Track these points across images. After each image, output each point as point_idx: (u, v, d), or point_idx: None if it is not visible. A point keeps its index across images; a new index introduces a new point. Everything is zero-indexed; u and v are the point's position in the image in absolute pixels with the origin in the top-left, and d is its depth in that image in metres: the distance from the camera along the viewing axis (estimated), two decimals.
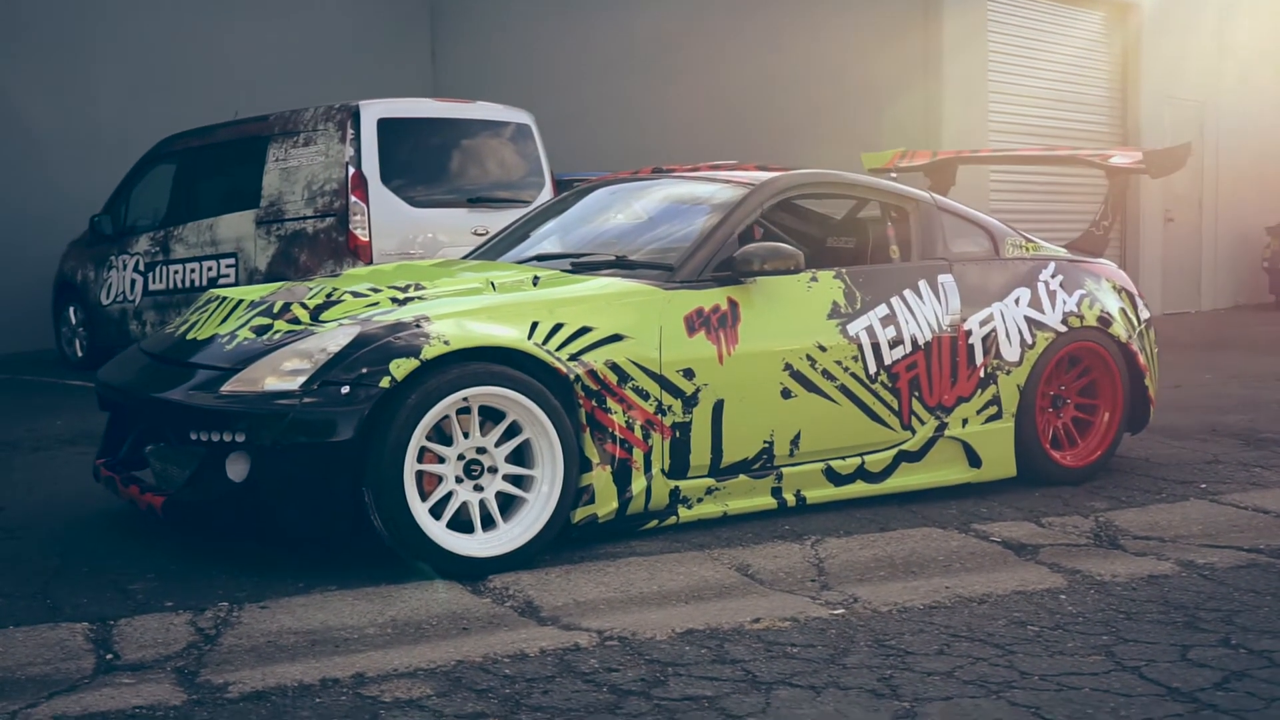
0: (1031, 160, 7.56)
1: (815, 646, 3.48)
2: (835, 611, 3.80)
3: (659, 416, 4.54)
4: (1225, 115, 15.40)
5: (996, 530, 4.74)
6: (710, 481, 4.70)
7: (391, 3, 15.69)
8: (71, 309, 10.96)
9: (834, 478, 4.99)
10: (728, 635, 3.57)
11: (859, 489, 5.05)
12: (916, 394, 5.12)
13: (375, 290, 4.64)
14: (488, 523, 4.22)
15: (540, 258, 5.31)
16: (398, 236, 8.60)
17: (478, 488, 4.21)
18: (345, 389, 4.01)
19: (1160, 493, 5.36)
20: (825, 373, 4.90)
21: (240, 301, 4.78)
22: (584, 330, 4.43)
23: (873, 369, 5.01)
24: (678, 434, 4.59)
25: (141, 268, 10.02)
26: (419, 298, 4.53)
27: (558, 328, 4.39)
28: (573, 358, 4.37)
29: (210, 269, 9.39)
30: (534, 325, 4.35)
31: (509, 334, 4.27)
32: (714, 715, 2.99)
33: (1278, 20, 16.29)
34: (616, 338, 4.48)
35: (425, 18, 16.03)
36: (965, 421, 5.25)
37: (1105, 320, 5.60)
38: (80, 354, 10.79)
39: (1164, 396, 7.58)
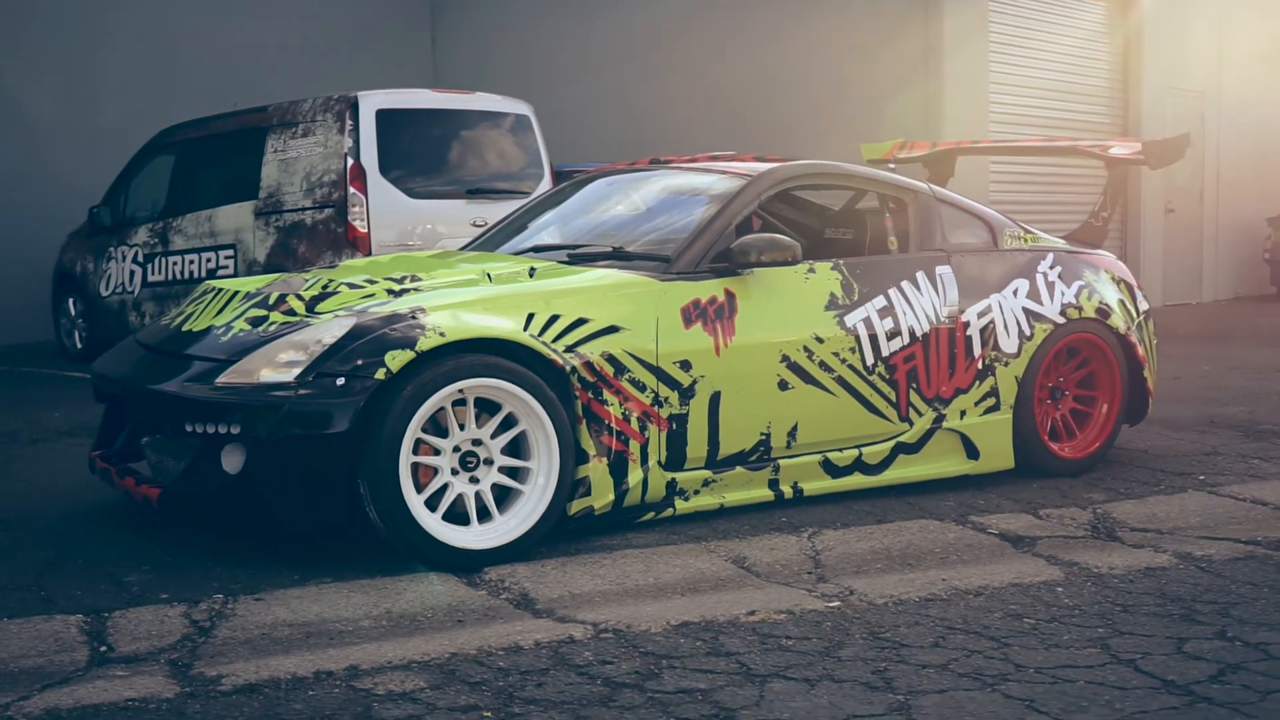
0: (1031, 151, 7.55)
1: (810, 639, 3.48)
2: (831, 604, 3.80)
3: (655, 408, 4.53)
4: (1226, 106, 15.37)
5: (994, 522, 4.73)
6: (707, 473, 4.69)
7: None
8: (71, 300, 10.95)
9: (831, 470, 4.98)
10: (723, 628, 3.57)
11: (856, 481, 5.04)
12: (914, 386, 5.11)
13: (371, 282, 4.63)
14: (483, 515, 4.22)
15: (537, 249, 5.30)
16: (396, 228, 8.58)
17: (473, 480, 4.20)
18: (341, 381, 4.00)
19: (1158, 484, 5.35)
20: (822, 364, 4.89)
21: (236, 293, 4.77)
22: (580, 322, 4.42)
23: (870, 361, 5.00)
24: (674, 426, 4.58)
25: (140, 259, 10.01)
26: (415, 289, 4.52)
27: (554, 319, 4.38)
28: (569, 349, 4.36)
29: (209, 260, 9.38)
30: (530, 317, 4.34)
31: (505, 325, 4.26)
32: (707, 708, 2.99)
33: (1279, 11, 16.26)
34: (613, 329, 4.47)
35: (425, 9, 16.00)
36: (963, 413, 5.24)
37: (1104, 312, 5.59)
38: (79, 345, 10.78)
39: (1163, 388, 7.57)
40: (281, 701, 3.04)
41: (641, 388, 4.50)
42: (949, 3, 11.94)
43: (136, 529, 4.62)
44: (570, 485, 4.34)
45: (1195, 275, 15.44)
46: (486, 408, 4.23)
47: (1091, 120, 13.64)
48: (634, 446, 4.50)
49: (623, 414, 4.46)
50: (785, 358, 4.81)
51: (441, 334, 4.09)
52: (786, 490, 4.88)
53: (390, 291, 4.50)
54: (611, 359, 4.44)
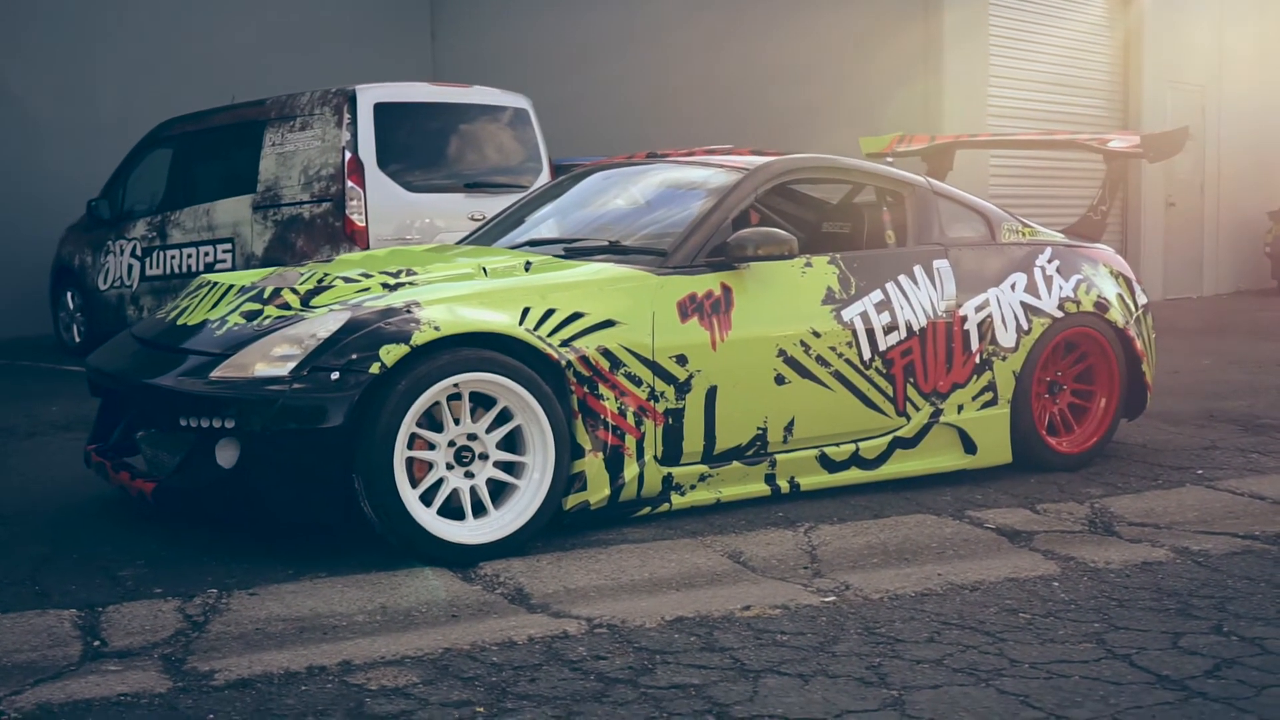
0: (1029, 145, 7.53)
1: (805, 634, 3.47)
2: (826, 599, 3.79)
3: (651, 403, 4.52)
4: (1227, 100, 15.34)
5: (991, 517, 4.72)
6: (703, 468, 4.68)
7: None
8: (69, 294, 10.94)
9: (828, 464, 4.96)
10: (717, 623, 3.56)
11: (853, 475, 5.03)
12: (911, 380, 5.10)
13: (367, 276, 4.62)
14: (479, 510, 4.21)
15: (533, 243, 5.29)
16: (394, 222, 8.58)
17: (468, 474, 4.19)
18: (335, 375, 3.99)
19: (1156, 479, 5.34)
20: (819, 359, 4.87)
21: (231, 287, 4.75)
22: (576, 316, 4.41)
23: (867, 355, 4.98)
24: (670, 420, 4.57)
25: (139, 253, 10.00)
26: (410, 283, 4.51)
27: (549, 313, 4.37)
28: (565, 344, 4.35)
29: (207, 254, 9.37)
30: (525, 311, 4.33)
31: (500, 320, 4.25)
32: (701, 704, 2.98)
33: (1279, 4, 16.23)
34: (609, 323, 4.46)
35: (425, 3, 15.97)
36: (961, 408, 5.23)
37: (1102, 306, 5.57)
38: (78, 339, 10.77)
39: (1162, 382, 7.56)
40: (274, 696, 3.03)
41: (637, 382, 4.48)
42: None
43: (132, 523, 4.62)
44: (566, 480, 4.33)
45: (1196, 269, 15.42)
46: (482, 402, 4.22)
47: (1092, 114, 13.62)
48: (630, 441, 4.49)
49: (618, 409, 4.45)
50: (782, 352, 4.80)
51: (436, 328, 4.08)
52: (783, 485, 4.87)
53: (385, 286, 4.49)
54: (607, 353, 4.43)
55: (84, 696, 3.03)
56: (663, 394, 4.54)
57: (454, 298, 4.31)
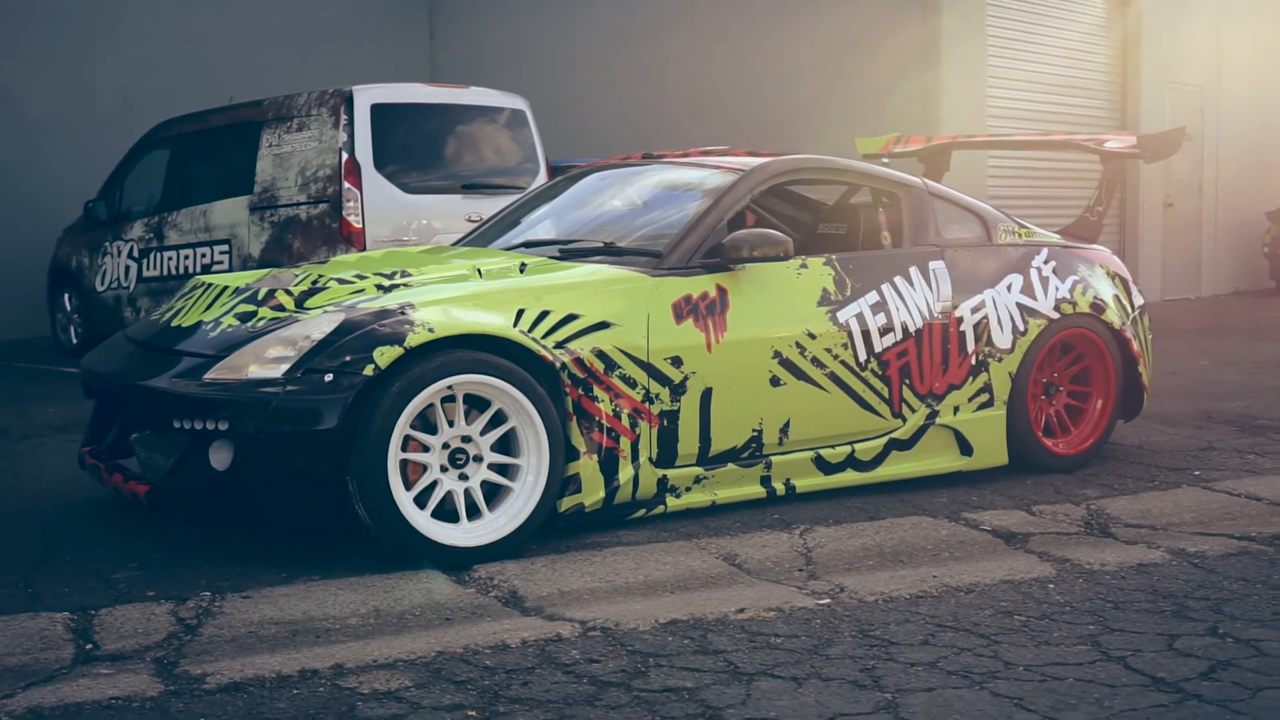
0: (1026, 145, 7.52)
1: (799, 637, 3.46)
2: (821, 601, 3.78)
3: (646, 405, 4.51)
4: (1226, 100, 15.33)
5: (987, 519, 4.71)
6: (698, 470, 4.67)
7: None
8: (66, 295, 10.93)
9: (824, 466, 4.96)
10: (711, 626, 3.55)
11: (849, 478, 5.02)
12: (907, 382, 5.09)
13: (361, 277, 4.61)
14: (473, 512, 4.20)
15: (529, 244, 5.28)
16: (391, 223, 8.56)
17: (463, 476, 4.18)
18: (329, 377, 3.98)
19: (1153, 480, 5.33)
20: (815, 360, 4.87)
21: (225, 288, 4.74)
22: (571, 318, 4.40)
23: (863, 356, 4.97)
24: (665, 422, 4.56)
25: (136, 254, 9.99)
26: (404, 285, 4.50)
27: (544, 315, 4.36)
28: (559, 345, 4.34)
29: (204, 255, 9.36)
30: (520, 313, 4.32)
31: (494, 321, 4.24)
32: (693, 707, 2.97)
33: (1278, 4, 16.20)
34: (603, 325, 4.45)
35: (423, 3, 15.97)
36: (957, 409, 5.22)
37: (1098, 307, 5.56)
38: (75, 341, 10.76)
39: (1160, 383, 7.55)
40: (265, 700, 3.02)
41: (632, 384, 4.47)
42: None
43: (126, 526, 4.61)
44: (560, 482, 4.32)
45: (1194, 270, 15.41)
46: (476, 404, 4.21)
47: (1090, 115, 13.61)
48: (625, 443, 4.48)
49: (613, 410, 4.44)
50: (777, 354, 4.79)
51: (430, 330, 4.07)
52: (779, 487, 4.86)
53: (380, 287, 4.48)
54: (602, 355, 4.42)
55: (75, 700, 3.02)
56: (658, 396, 4.53)
57: (448, 299, 4.30)
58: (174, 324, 4.67)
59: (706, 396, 4.63)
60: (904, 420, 5.11)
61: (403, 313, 4.14)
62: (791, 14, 12.77)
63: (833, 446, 4.97)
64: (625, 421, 4.46)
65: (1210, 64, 15.14)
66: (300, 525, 4.18)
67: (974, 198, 5.74)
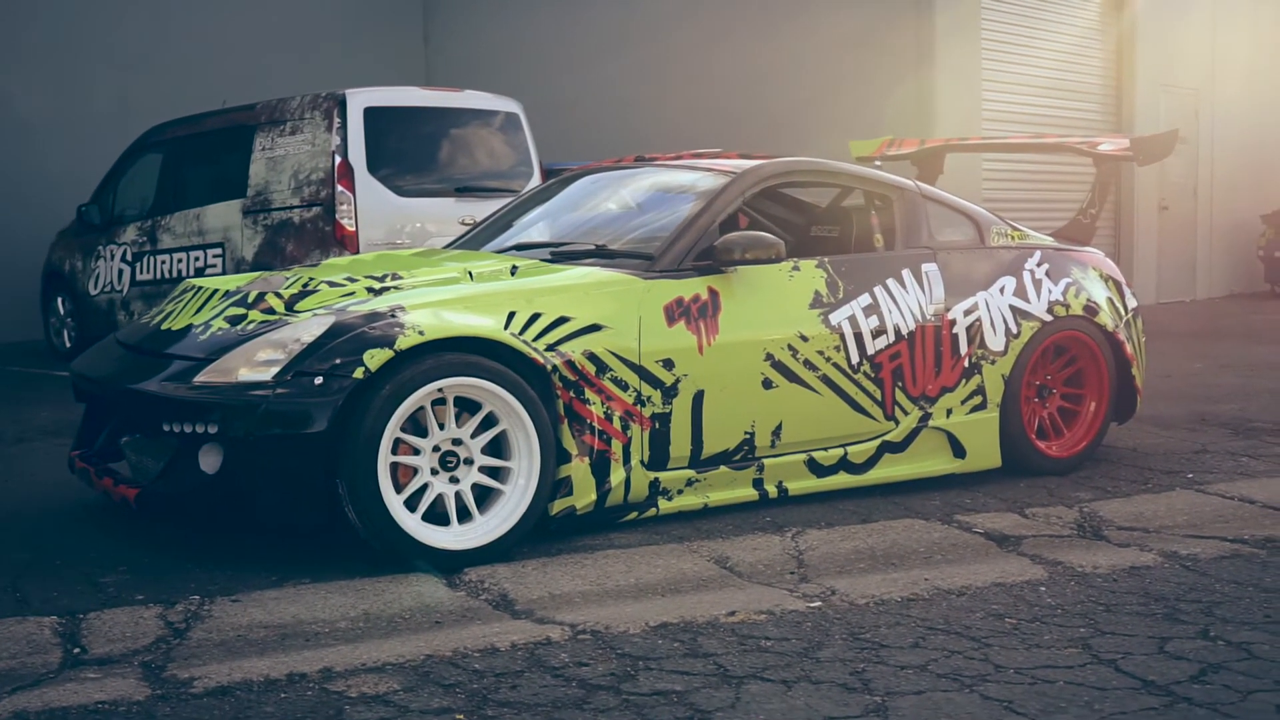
0: (1019, 148, 7.52)
1: (789, 640, 3.45)
2: (812, 604, 3.77)
3: (638, 407, 4.50)
4: (1220, 103, 15.34)
5: (979, 521, 4.71)
6: (690, 473, 4.66)
7: None
8: (60, 299, 10.91)
9: (816, 469, 4.95)
10: (701, 629, 3.54)
11: (842, 480, 5.01)
12: (900, 384, 5.08)
13: (352, 280, 4.60)
14: (464, 515, 4.18)
15: (520, 247, 5.27)
16: (385, 226, 8.55)
17: (453, 480, 4.17)
18: (319, 380, 3.97)
19: (1146, 483, 5.32)
20: (807, 363, 4.86)
21: (215, 291, 4.73)
22: (562, 320, 4.39)
23: (855, 359, 4.97)
24: (657, 425, 4.55)
25: (129, 258, 9.97)
26: (395, 287, 4.49)
27: (535, 318, 4.35)
28: (550, 348, 4.33)
29: (197, 259, 9.34)
30: (511, 315, 4.31)
31: (485, 324, 4.23)
32: (682, 710, 2.96)
33: (1273, 7, 16.23)
34: (595, 328, 4.44)
35: (418, 7, 15.96)
36: (949, 412, 5.21)
37: (1091, 309, 5.56)
38: (69, 345, 10.75)
39: (1154, 386, 7.55)
40: (253, 704, 3.01)
41: (624, 386, 4.46)
42: None
43: (115, 529, 4.59)
44: (552, 485, 4.31)
45: (1189, 273, 15.42)
46: (467, 407, 4.19)
47: (1085, 117, 13.62)
48: (616, 446, 4.47)
49: (605, 413, 4.43)
50: (769, 356, 4.78)
51: (421, 332, 4.06)
52: (771, 490, 4.85)
53: (370, 290, 4.47)
54: (593, 357, 4.41)
55: (61, 704, 3.00)
56: (649, 398, 4.52)
57: (439, 302, 4.29)
58: (164, 327, 4.65)
59: (698, 399, 4.62)
60: (897, 423, 5.10)
61: (393, 315, 4.13)
62: (786, 17, 12.78)
63: (825, 449, 4.96)
64: (617, 424, 4.45)
65: (1205, 67, 15.15)
66: (290, 529, 4.16)
67: (967, 200, 5.73)
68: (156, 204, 9.95)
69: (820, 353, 4.88)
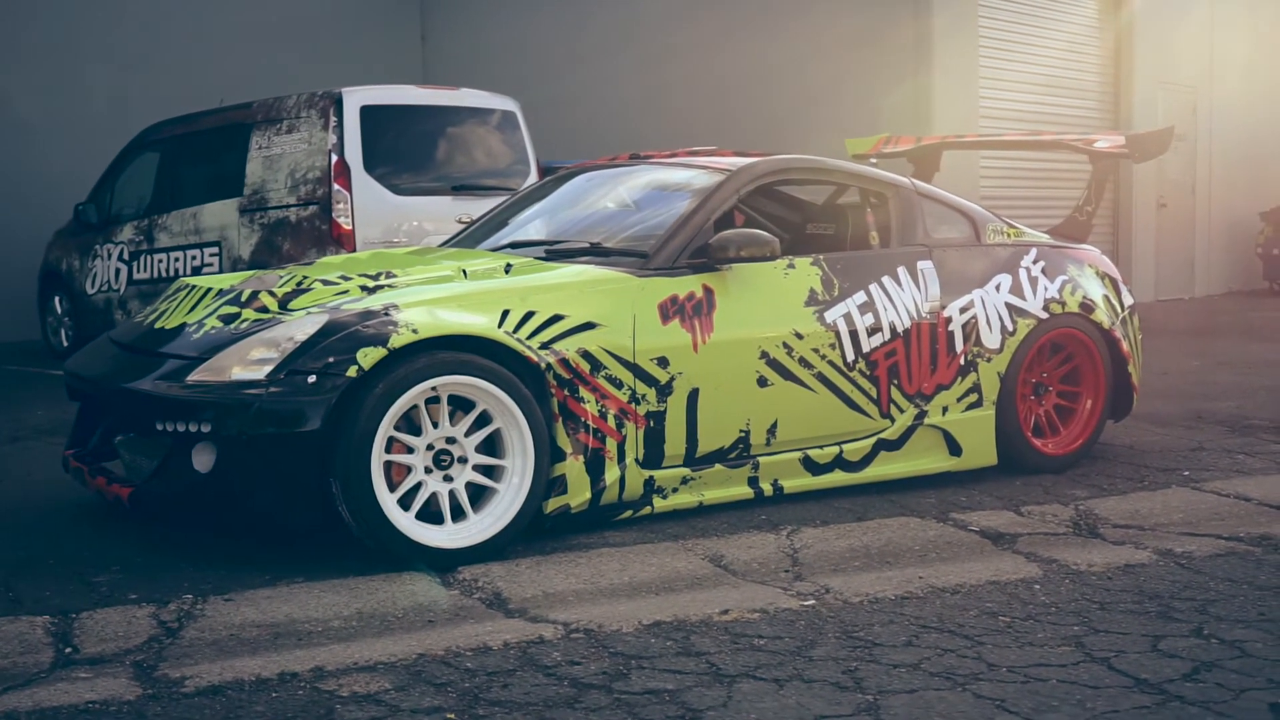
0: (1016, 145, 7.50)
1: (783, 638, 3.44)
2: (806, 603, 3.76)
3: (633, 405, 4.49)
4: (1218, 100, 15.33)
5: (975, 519, 4.70)
6: (685, 471, 4.65)
7: None
8: (57, 298, 10.91)
9: (812, 467, 4.94)
10: (695, 627, 3.53)
11: (837, 478, 5.00)
12: (895, 382, 5.08)
13: (346, 278, 4.59)
14: (458, 513, 4.18)
15: (515, 245, 5.26)
16: (381, 225, 8.54)
17: (447, 478, 4.16)
18: (312, 378, 3.96)
19: (1142, 480, 5.31)
20: (802, 361, 4.85)
21: (209, 290, 4.73)
22: (556, 318, 4.38)
23: (850, 357, 4.96)
24: (652, 423, 4.54)
25: (126, 257, 9.97)
26: (389, 286, 4.48)
27: (529, 316, 4.34)
28: (544, 346, 4.32)
29: (194, 258, 9.34)
30: (505, 313, 4.30)
31: (479, 322, 4.22)
32: (674, 709, 2.95)
33: (1271, 6, 16.21)
34: (589, 326, 4.43)
35: (415, 5, 15.95)
36: (945, 409, 5.20)
37: (1088, 307, 5.55)
38: (66, 344, 10.74)
39: (1151, 383, 7.54)
40: (244, 703, 3.00)
41: (618, 385, 4.46)
42: None
43: (109, 528, 4.59)
44: (546, 483, 4.30)
45: (1187, 270, 15.41)
46: (461, 405, 4.19)
47: (1083, 115, 13.61)
48: (611, 444, 4.46)
49: (599, 411, 4.42)
50: (764, 354, 4.77)
51: (414, 331, 4.05)
52: (766, 488, 4.85)
53: (364, 288, 4.46)
54: (588, 356, 4.40)
55: (51, 704, 3.00)
56: (644, 396, 4.51)
57: (433, 300, 4.28)
58: (158, 326, 4.65)
59: (693, 397, 4.61)
60: (892, 420, 5.10)
61: (387, 314, 4.12)
62: (783, 15, 12.76)
63: (821, 447, 4.95)
64: (611, 422, 4.45)
65: (1203, 64, 15.14)
66: (284, 528, 4.15)
67: (963, 198, 5.72)
68: (153, 203, 9.94)
69: (815, 350, 4.88)
